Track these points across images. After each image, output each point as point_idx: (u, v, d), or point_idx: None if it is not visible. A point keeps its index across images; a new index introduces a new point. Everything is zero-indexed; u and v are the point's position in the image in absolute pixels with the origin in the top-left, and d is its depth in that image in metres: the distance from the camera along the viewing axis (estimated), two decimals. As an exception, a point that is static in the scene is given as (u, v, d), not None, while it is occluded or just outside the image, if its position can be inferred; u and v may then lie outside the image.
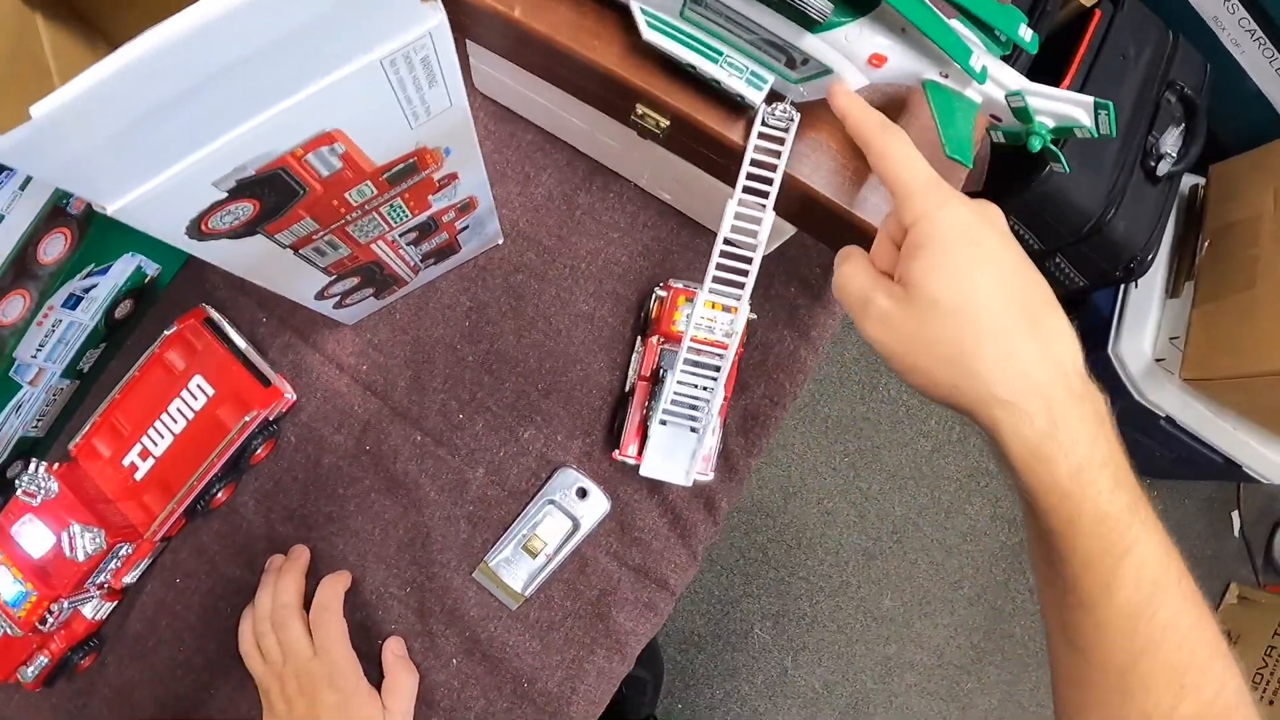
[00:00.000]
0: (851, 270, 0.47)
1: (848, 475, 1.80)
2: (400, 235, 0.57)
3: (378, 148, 0.43)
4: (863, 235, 0.59)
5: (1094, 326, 1.65)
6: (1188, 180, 1.65)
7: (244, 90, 0.34)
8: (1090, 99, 0.49)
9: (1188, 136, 1.46)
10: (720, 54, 0.53)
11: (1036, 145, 0.51)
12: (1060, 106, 0.50)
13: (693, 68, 0.53)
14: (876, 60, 0.51)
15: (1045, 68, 1.36)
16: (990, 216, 0.44)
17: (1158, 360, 1.58)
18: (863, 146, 0.48)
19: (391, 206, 0.51)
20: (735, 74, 0.52)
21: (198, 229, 0.42)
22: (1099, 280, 1.52)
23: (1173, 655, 0.42)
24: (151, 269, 0.71)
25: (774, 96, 0.56)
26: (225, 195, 0.40)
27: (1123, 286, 1.64)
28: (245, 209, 0.42)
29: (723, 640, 1.69)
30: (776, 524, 1.75)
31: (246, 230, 0.45)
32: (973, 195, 0.45)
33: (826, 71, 0.51)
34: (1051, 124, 0.51)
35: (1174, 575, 0.42)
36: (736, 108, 0.56)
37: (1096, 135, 0.50)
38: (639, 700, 1.48)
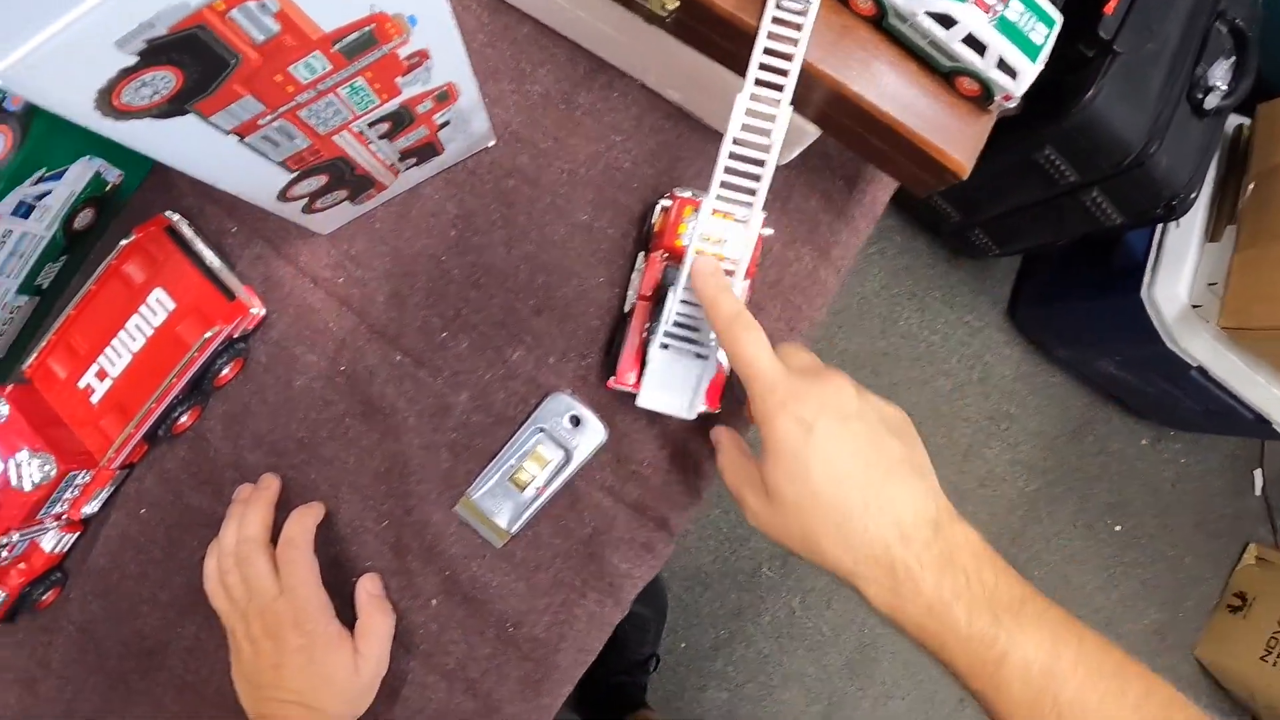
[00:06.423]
0: (727, 464, 0.58)
1: (864, 413, 1.72)
2: (368, 126, 0.50)
3: (323, 8, 0.36)
4: (897, 139, 0.53)
5: (1125, 269, 1.56)
6: (1232, 120, 1.55)
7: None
8: None
9: (1238, 69, 1.36)
10: None
11: None
12: None
13: None
14: None
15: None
16: (826, 402, 0.50)
17: (1194, 306, 1.49)
18: (716, 333, 0.53)
19: (352, 88, 0.44)
20: None
21: (109, 103, 0.35)
22: (1137, 218, 1.42)
23: None
24: (113, 175, 0.65)
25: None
26: (136, 60, 0.33)
27: (1160, 228, 1.55)
28: (165, 79, 0.36)
29: (729, 578, 1.64)
30: (787, 462, 1.68)
31: (173, 108, 0.38)
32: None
33: None
34: None
35: (1067, 660, 0.46)
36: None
37: None
38: (641, 638, 1.45)
